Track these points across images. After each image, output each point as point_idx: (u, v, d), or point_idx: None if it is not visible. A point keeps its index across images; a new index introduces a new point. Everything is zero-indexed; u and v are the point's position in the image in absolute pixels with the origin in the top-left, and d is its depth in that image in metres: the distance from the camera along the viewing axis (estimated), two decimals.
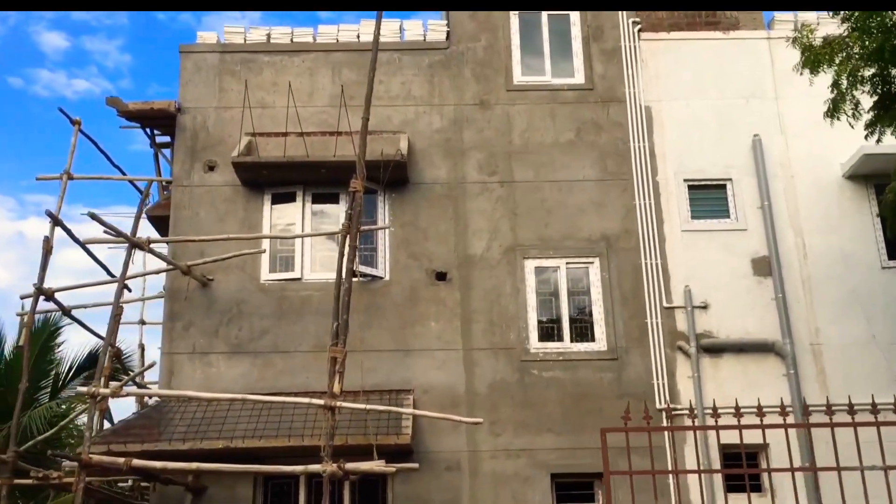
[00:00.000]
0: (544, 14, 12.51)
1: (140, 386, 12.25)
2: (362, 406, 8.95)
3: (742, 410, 8.15)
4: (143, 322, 15.94)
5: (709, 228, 11.47)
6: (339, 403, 8.67)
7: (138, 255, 13.98)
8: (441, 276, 11.18)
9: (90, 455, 8.47)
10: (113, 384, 9.03)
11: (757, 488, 10.39)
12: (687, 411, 10.48)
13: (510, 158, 11.73)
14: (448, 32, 12.38)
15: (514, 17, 12.46)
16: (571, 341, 10.98)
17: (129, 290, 12.99)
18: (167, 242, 10.80)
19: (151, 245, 12.19)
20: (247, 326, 10.90)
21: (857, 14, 8.74)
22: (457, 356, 10.84)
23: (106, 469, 8.93)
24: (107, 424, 17.42)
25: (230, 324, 10.91)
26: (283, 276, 11.15)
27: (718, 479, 10.01)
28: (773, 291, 11.14)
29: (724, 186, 11.70)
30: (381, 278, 11.13)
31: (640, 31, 12.36)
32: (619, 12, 12.42)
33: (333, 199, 11.54)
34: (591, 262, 11.29)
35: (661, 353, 10.87)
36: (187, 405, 10.42)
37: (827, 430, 8.14)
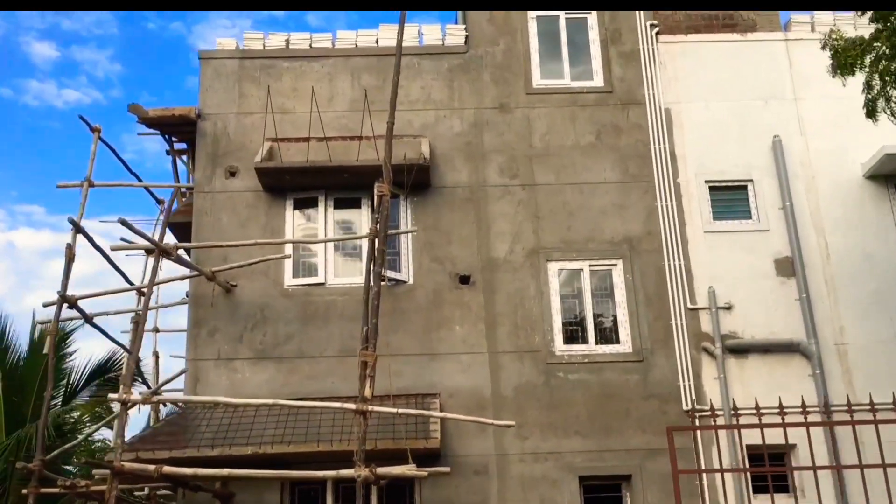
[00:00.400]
0: (562, 18, 12.54)
1: (156, 394, 12.23)
2: (393, 410, 8.94)
3: (771, 411, 8.21)
4: (157, 330, 15.92)
5: (731, 229, 11.48)
6: (370, 408, 8.64)
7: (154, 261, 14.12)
8: (465, 280, 11.17)
9: (122, 462, 8.45)
10: (143, 391, 8.98)
11: (785, 489, 10.38)
12: (712, 412, 10.52)
13: (531, 161, 11.73)
14: (466, 37, 12.40)
15: (532, 21, 12.48)
16: (596, 343, 10.97)
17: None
18: (195, 248, 10.76)
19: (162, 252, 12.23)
20: (271, 332, 10.87)
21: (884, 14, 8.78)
22: (482, 360, 10.82)
23: (137, 477, 8.89)
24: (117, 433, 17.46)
25: (254, 329, 10.88)
26: (306, 281, 11.13)
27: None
28: (796, 292, 11.14)
29: (745, 187, 11.72)
30: (405, 282, 11.12)
31: (657, 33, 12.39)
32: (637, 15, 12.44)
33: (355, 204, 11.54)
34: (615, 265, 11.29)
35: (686, 354, 10.86)
36: (213, 411, 10.38)
37: (856, 428, 8.21)
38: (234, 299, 10.99)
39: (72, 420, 16.06)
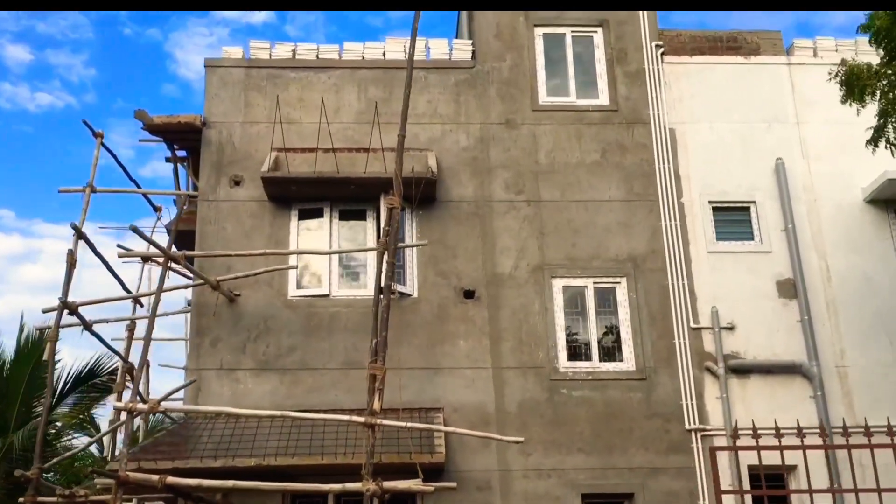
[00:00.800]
0: (568, 35, 12.63)
1: (143, 401, 12.09)
2: (402, 424, 8.89)
3: (774, 433, 8.24)
4: (150, 339, 15.72)
5: (734, 250, 11.57)
6: (379, 421, 8.58)
7: (153, 269, 13.97)
8: (469, 294, 11.15)
9: (127, 472, 8.32)
10: (152, 399, 8.87)
11: None
12: (717, 432, 10.59)
13: (537, 178, 11.77)
14: (473, 52, 12.45)
15: (538, 38, 12.56)
16: (600, 361, 10.99)
17: (142, 306, 12.94)
18: (199, 257, 10.65)
19: (156, 260, 12.09)
20: (274, 343, 10.79)
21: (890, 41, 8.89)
22: (486, 375, 10.80)
23: (140, 487, 8.75)
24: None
25: (258, 340, 10.79)
26: (310, 292, 11.07)
27: None
28: (798, 313, 11.23)
29: (747, 209, 11.82)
30: (410, 295, 11.08)
31: (662, 54, 12.50)
32: (642, 35, 12.55)
33: (360, 216, 11.52)
34: (619, 283, 11.33)
35: (689, 373, 10.90)
36: (215, 422, 10.28)
37: (856, 451, 8.27)
38: (238, 309, 10.90)
39: (53, 430, 15.83)
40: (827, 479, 9.98)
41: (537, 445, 10.48)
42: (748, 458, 10.45)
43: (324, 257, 11.15)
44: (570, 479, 10.37)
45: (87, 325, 10.87)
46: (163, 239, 12.61)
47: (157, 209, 13.74)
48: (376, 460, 9.10)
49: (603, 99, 12.27)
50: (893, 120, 8.82)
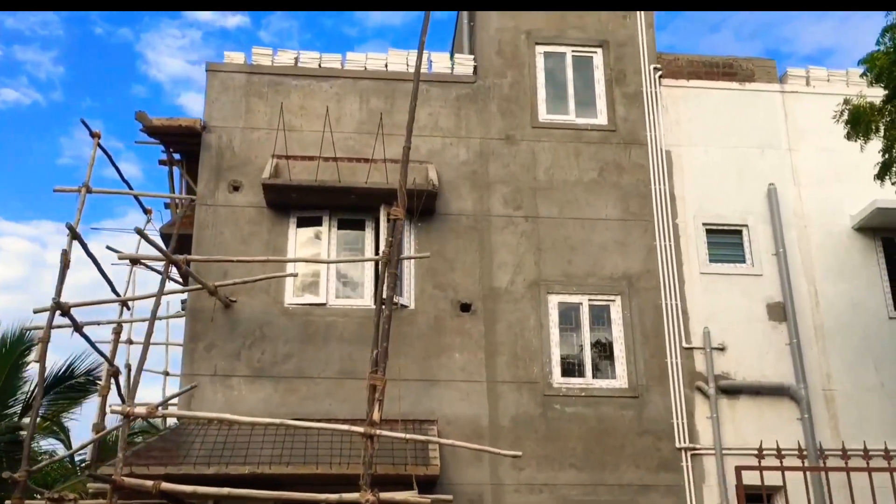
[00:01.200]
0: (569, 55, 12.78)
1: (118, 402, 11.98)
2: (402, 435, 8.90)
3: (759, 452, 8.38)
4: (130, 342, 15.57)
5: (726, 272, 11.76)
6: (379, 432, 8.58)
7: (142, 271, 13.82)
8: (466, 308, 11.20)
9: (122, 477, 8.23)
10: (149, 404, 8.79)
11: None
12: (707, 451, 10.72)
13: (535, 194, 11.87)
14: (475, 67, 12.55)
15: (539, 56, 12.69)
16: (593, 377, 11.08)
17: (129, 309, 12.81)
18: (198, 262, 10.57)
19: (145, 262, 12.00)
20: (270, 350, 10.74)
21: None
22: (481, 388, 10.84)
23: (134, 492, 8.66)
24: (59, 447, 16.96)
25: (253, 347, 10.74)
26: (307, 300, 11.04)
27: None
28: (787, 337, 11.43)
29: (740, 232, 12.03)
30: (406, 307, 11.10)
31: (660, 77, 12.70)
32: (641, 58, 12.74)
33: (359, 226, 11.53)
34: (613, 301, 11.45)
35: (680, 392, 11.03)
36: (207, 429, 10.19)
37: (842, 474, 8.47)
38: (233, 315, 10.84)
39: (23, 433, 15.57)
40: (813, 501, 10.16)
41: (530, 460, 10.52)
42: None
43: (321, 266, 11.14)
44: (562, 495, 10.42)
45: (77, 327, 10.73)
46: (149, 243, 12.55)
47: (147, 211, 13.64)
48: (371, 471, 9.13)
49: (601, 119, 12.43)
50: None
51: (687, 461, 10.68)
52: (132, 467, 9.18)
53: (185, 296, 11.90)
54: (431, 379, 10.79)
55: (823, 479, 9.56)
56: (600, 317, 11.43)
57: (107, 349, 11.87)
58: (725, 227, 12.02)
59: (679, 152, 12.33)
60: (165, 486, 8.45)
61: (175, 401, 10.91)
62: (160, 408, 10.21)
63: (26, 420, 15.81)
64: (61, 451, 17.54)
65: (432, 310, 11.14)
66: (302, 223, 11.44)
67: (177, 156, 12.87)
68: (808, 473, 8.82)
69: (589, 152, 12.18)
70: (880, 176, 9.40)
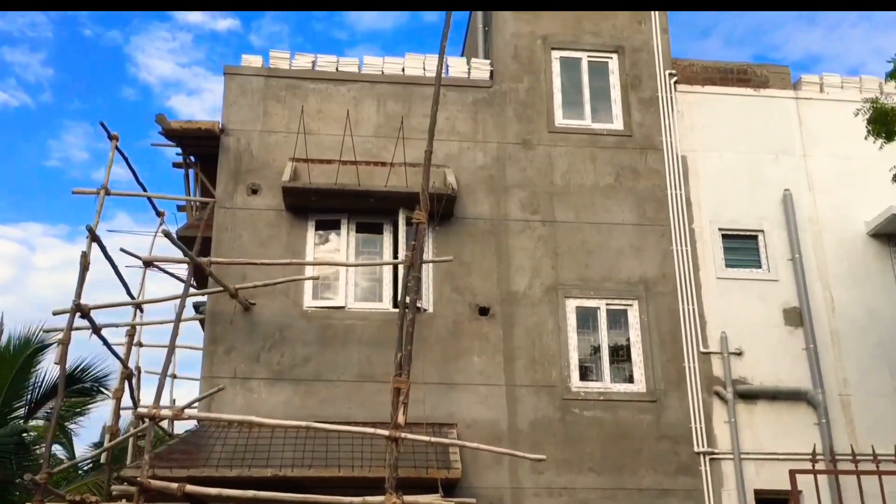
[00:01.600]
0: (584, 60, 12.83)
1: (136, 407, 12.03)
2: (426, 438, 8.90)
3: (776, 457, 8.43)
4: (140, 344, 15.55)
5: (742, 277, 11.80)
6: (403, 435, 8.59)
7: (154, 273, 13.80)
8: (484, 311, 11.22)
9: (149, 479, 8.22)
10: (175, 406, 8.78)
11: None
12: (725, 455, 10.74)
13: (552, 198, 11.91)
14: (491, 72, 12.60)
15: (555, 62, 12.74)
16: (611, 382, 11.11)
17: (142, 312, 12.80)
18: (227, 264, 10.57)
19: (160, 264, 11.99)
20: (289, 353, 10.75)
21: None
22: (499, 392, 10.86)
23: (160, 494, 8.65)
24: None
25: (272, 350, 10.74)
26: (326, 303, 11.05)
27: None
28: (803, 341, 11.47)
29: (756, 237, 12.09)
30: (425, 310, 11.11)
31: (675, 82, 12.76)
32: (656, 63, 12.80)
33: (377, 230, 11.55)
34: (630, 305, 11.48)
35: (698, 397, 11.06)
36: (228, 431, 10.19)
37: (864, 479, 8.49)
38: (252, 318, 10.85)
39: (30, 436, 15.56)
40: None
41: (549, 464, 10.52)
42: (754, 483, 10.71)
43: (340, 269, 11.15)
44: (582, 499, 10.44)
45: (96, 330, 10.73)
46: (168, 245, 12.51)
47: (159, 214, 13.63)
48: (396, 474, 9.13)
49: (617, 124, 12.48)
50: None
51: (705, 465, 10.71)
52: (154, 469, 9.16)
53: (195, 299, 11.91)
54: (450, 382, 10.81)
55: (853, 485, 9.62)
56: (617, 321, 11.46)
57: (117, 351, 11.89)
58: (741, 233, 12.08)
59: (694, 157, 12.39)
60: (190, 488, 8.43)
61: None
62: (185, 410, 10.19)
63: (32, 423, 15.83)
64: (62, 454, 17.51)
65: (451, 313, 11.16)
66: (320, 226, 11.46)
67: (192, 158, 12.89)
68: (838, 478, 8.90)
69: (605, 157, 12.22)
70: None
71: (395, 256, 11.19)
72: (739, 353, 11.35)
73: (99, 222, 10.75)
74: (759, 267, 11.95)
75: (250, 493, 8.65)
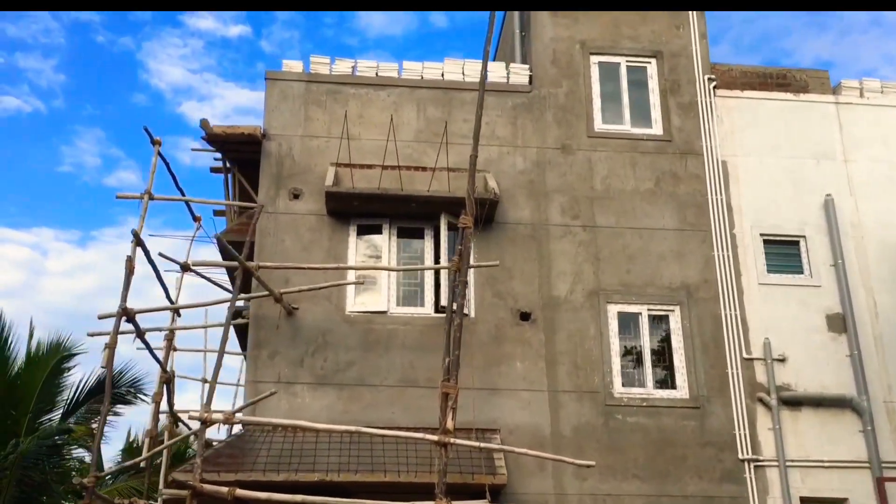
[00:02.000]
0: (623, 65, 12.81)
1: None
2: (476, 444, 8.87)
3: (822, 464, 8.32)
4: (175, 349, 15.62)
5: (784, 283, 11.73)
6: (453, 440, 8.58)
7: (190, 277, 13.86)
8: (525, 317, 11.20)
9: (202, 483, 8.26)
10: (226, 410, 8.82)
11: None
12: (770, 463, 10.67)
13: (592, 203, 11.89)
14: (530, 76, 12.59)
15: (594, 66, 12.73)
16: (654, 388, 11.06)
17: (179, 315, 12.85)
18: (275, 268, 10.59)
19: (196, 267, 12.03)
20: (332, 358, 10.76)
21: None
22: (542, 397, 10.84)
23: (211, 498, 8.68)
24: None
25: (315, 354, 10.76)
26: (369, 308, 11.07)
27: None
28: (847, 348, 11.39)
29: (797, 243, 12.02)
30: (467, 315, 11.09)
31: (714, 87, 12.71)
32: (695, 68, 12.76)
33: (418, 234, 11.56)
34: (672, 311, 11.43)
35: (742, 403, 11.00)
36: (273, 435, 10.22)
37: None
38: (296, 323, 10.87)
39: (63, 438, 15.63)
40: None
41: (593, 470, 10.46)
42: (800, 491, 10.63)
43: (382, 274, 11.16)
44: None
45: (140, 334, 10.78)
46: (200, 250, 12.52)
47: (196, 219, 13.69)
48: (436, 480, 9.11)
49: (657, 129, 12.45)
50: None
51: (750, 473, 10.63)
52: (203, 474, 9.20)
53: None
54: (493, 388, 10.79)
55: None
56: (659, 327, 11.42)
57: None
58: (783, 238, 12.01)
59: (734, 162, 12.33)
60: (240, 492, 8.45)
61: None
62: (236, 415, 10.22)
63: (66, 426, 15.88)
64: (88, 459, 17.60)
65: (492, 319, 11.15)
66: (362, 231, 11.48)
67: (229, 163, 12.95)
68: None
69: (645, 162, 12.19)
70: None
71: (437, 261, 11.20)
72: (783, 360, 11.28)
73: (143, 227, 10.85)
74: (802, 273, 11.88)
75: (299, 497, 8.65)
